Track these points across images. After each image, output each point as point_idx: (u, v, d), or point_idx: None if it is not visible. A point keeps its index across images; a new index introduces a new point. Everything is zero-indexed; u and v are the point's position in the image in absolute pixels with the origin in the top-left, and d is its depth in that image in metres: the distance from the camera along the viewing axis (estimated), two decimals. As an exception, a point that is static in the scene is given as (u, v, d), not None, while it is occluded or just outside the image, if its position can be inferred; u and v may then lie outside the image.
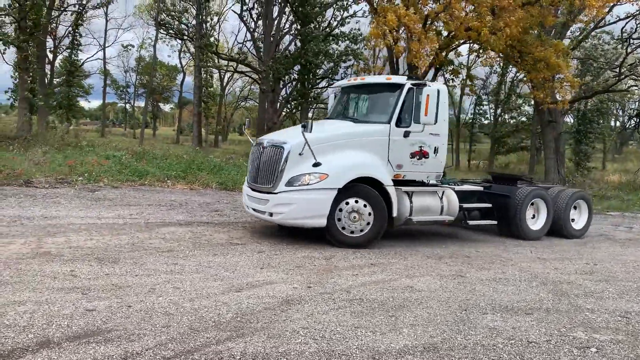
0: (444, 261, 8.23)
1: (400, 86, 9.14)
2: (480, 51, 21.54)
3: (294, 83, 32.01)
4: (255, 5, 31.05)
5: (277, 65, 24.81)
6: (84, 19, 30.00)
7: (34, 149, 16.47)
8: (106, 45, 44.03)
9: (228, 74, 46.42)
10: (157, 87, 53.63)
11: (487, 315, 5.66)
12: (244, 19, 32.09)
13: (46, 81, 31.18)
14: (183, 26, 33.28)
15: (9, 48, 19.02)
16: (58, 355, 4.04)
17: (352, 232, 8.54)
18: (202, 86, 31.63)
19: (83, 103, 54.11)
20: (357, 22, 29.62)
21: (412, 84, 9.05)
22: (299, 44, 26.98)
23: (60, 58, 37.23)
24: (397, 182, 8.96)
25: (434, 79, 21.55)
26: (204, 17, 30.70)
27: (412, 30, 15.52)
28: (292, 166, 8.38)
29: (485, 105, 42.48)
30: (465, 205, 9.75)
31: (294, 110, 32.47)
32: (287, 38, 34.01)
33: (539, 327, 5.36)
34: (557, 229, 10.93)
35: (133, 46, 46.79)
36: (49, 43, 34.38)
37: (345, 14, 27.66)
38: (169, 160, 17.56)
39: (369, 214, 8.53)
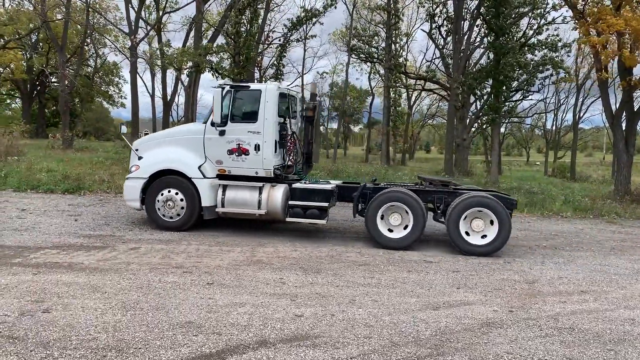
0: (675, 293, 7.07)
1: (221, 89, 9.61)
2: None
3: (485, 97, 30.91)
4: (445, 23, 30.82)
5: (469, 80, 24.19)
6: (287, 51, 32.75)
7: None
8: (304, 72, 47.80)
9: (415, 93, 46.77)
10: (347, 110, 56.29)
11: None
12: (433, 36, 32.12)
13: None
14: (373, 49, 34.54)
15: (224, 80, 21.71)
16: (274, 355, 4.44)
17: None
18: (391, 106, 32.29)
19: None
20: (556, 29, 27.47)
21: (230, 87, 9.68)
22: (491, 56, 25.97)
23: (265, 87, 41.34)
24: (225, 177, 9.82)
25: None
26: (393, 39, 31.40)
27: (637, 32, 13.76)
28: (132, 161, 10.48)
29: None
30: (292, 202, 9.61)
31: (485, 126, 31.24)
32: (477, 52, 33.13)
33: None
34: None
35: (327, 73, 49.84)
36: (256, 74, 38.44)
37: (543, 22, 25.86)
38: (360, 178, 18.17)
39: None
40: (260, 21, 23.29)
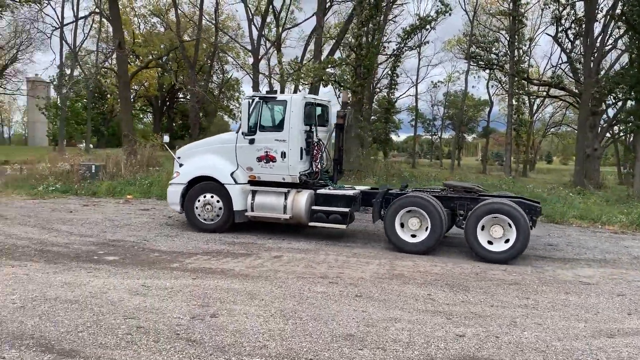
0: None
1: (252, 99, 10.12)
2: None
3: (621, 103, 28.48)
4: (573, 25, 28.94)
5: (610, 84, 22.42)
6: (401, 60, 32.53)
7: (367, 179, 18.55)
8: (418, 82, 47.22)
9: (538, 100, 44.24)
10: (463, 119, 54.64)
11: None
12: (559, 40, 30.22)
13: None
14: (493, 56, 33.23)
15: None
16: (447, 376, 4.27)
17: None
18: (514, 114, 30.78)
19: (393, 137, 58.84)
20: None
21: (259, 98, 10.14)
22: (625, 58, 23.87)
23: (377, 97, 41.34)
24: (256, 183, 10.31)
25: None
26: (516, 45, 29.98)
27: None
28: (174, 168, 11.28)
29: None
30: (315, 208, 9.93)
31: (621, 134, 28.71)
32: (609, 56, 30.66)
33: None
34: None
35: (442, 82, 48.67)
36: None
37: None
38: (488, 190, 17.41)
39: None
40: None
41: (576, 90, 30.21)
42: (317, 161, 10.47)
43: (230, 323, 5.33)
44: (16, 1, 28.36)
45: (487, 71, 37.79)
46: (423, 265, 8.38)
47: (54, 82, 44.02)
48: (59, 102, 43.81)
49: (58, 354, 4.49)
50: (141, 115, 62.61)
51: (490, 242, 8.78)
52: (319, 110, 10.75)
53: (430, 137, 71.96)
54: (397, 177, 20.27)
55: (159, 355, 4.50)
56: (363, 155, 21.06)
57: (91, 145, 43.83)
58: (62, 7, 36.58)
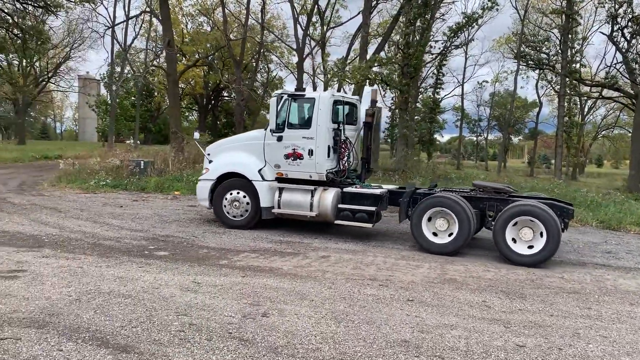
0: None
1: (280, 97, 10.12)
2: None
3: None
4: (630, 24, 27.76)
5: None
6: (447, 59, 31.96)
7: (412, 180, 18.25)
8: (464, 81, 46.30)
9: (589, 102, 42.68)
10: (510, 120, 53.32)
11: None
12: (615, 39, 29.04)
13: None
14: (543, 55, 32.22)
15: (391, 92, 21.78)
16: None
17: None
18: (565, 115, 29.80)
19: (437, 137, 58.00)
20: None
21: (288, 95, 10.05)
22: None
23: (421, 97, 40.77)
24: (283, 180, 10.29)
25: None
26: (569, 44, 28.97)
27: None
28: (204, 164, 11.35)
29: None
30: (341, 206, 9.85)
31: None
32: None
33: None
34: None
35: (487, 82, 47.58)
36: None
37: None
38: (538, 193, 16.83)
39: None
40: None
41: (632, 92, 29.01)
42: (345, 159, 10.42)
43: (282, 323, 5.26)
44: (71, 1, 29.36)
45: (537, 71, 36.73)
46: (475, 270, 8.12)
47: (105, 80, 45.33)
48: (108, 99, 45.17)
49: (114, 348, 4.52)
50: (187, 113, 63.83)
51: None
52: (347, 108, 10.65)
53: (475, 138, 70.50)
54: (444, 179, 19.87)
55: (213, 354, 4.47)
56: (408, 155, 20.72)
57: (138, 142, 44.97)
58: (114, 7, 37.80)
